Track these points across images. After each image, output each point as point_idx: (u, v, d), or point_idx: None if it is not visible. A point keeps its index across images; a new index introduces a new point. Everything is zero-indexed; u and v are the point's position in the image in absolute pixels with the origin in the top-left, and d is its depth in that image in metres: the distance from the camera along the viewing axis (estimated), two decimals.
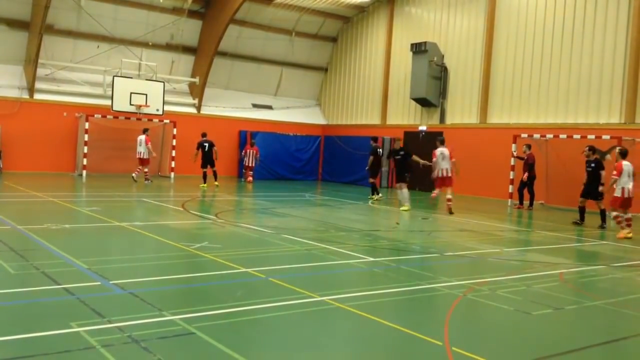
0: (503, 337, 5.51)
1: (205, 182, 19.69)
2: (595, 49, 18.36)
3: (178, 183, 21.32)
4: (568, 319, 6.14)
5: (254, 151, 23.00)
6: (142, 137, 20.18)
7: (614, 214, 12.25)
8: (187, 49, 24.97)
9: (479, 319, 6.10)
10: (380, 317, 5.62)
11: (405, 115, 24.81)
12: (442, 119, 23.24)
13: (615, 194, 12.08)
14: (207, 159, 19.69)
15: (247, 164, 23.16)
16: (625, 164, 12.16)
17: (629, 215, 12.23)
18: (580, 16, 18.80)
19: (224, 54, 25.43)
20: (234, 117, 25.92)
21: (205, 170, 19.74)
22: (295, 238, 10.10)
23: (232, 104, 26.23)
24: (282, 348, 4.76)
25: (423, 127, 23.61)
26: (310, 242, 9.80)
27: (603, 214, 13.83)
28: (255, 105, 27.01)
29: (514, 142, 18.71)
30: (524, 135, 18.76)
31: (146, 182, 19.96)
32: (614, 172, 12.15)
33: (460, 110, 22.58)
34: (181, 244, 9.01)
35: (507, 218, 15.24)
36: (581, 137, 17.35)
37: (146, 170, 20.38)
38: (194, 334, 4.84)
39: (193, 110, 25.23)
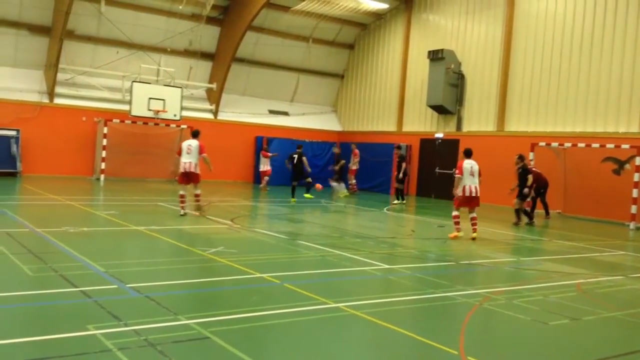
0: (519, 347, 5.46)
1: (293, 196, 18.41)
2: (615, 57, 18.17)
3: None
4: (585, 330, 6.06)
5: (268, 156, 22.80)
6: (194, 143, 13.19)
7: (454, 213, 12.04)
8: (205, 55, 25.18)
9: (494, 329, 6.04)
10: (395, 324, 5.60)
11: (421, 122, 24.74)
12: (458, 126, 23.14)
13: (457, 193, 11.81)
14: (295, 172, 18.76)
15: (262, 169, 22.84)
16: (468, 163, 11.86)
17: (474, 214, 11.96)
18: (599, 24, 18.63)
19: (241, 60, 25.60)
20: (251, 123, 26.06)
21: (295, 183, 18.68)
22: (310, 244, 10.10)
23: (249, 110, 26.38)
24: (296, 354, 4.76)
25: (439, 135, 23.53)
26: (325, 248, 9.80)
27: (517, 213, 15.10)
28: (271, 112, 27.14)
29: (532, 150, 18.55)
30: (542, 143, 18.61)
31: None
32: (456, 171, 11.86)
33: (478, 118, 22.46)
34: (197, 248, 9.06)
35: (524, 227, 15.09)
36: (600, 146, 17.18)
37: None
38: (209, 339, 4.86)
39: (210, 116, 25.41)
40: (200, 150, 12.90)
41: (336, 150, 22.55)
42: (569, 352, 5.24)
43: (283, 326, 5.47)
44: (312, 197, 19.17)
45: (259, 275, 7.41)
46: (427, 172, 23.99)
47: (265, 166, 22.67)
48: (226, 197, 18.65)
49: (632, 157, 16.37)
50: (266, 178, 22.66)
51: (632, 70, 17.71)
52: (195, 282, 7.24)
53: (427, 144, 24.04)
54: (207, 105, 25.52)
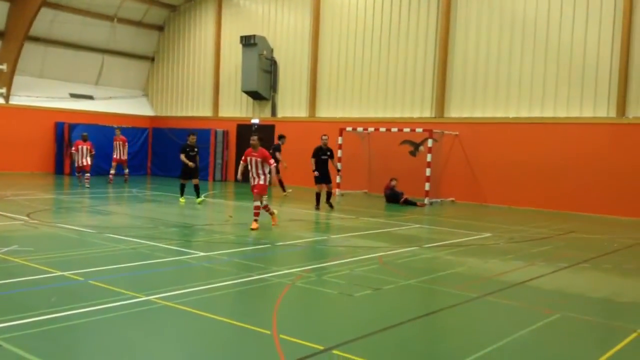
0: (328, 320, 5.78)
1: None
2: (409, 49, 19.95)
3: None
4: (386, 299, 6.61)
5: (88, 147, 18.99)
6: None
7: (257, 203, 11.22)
8: None
9: (305, 305, 6.31)
10: (210, 312, 5.56)
11: (237, 108, 24.77)
12: (273, 112, 23.62)
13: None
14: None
15: (80, 163, 18.86)
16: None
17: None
18: (396, 19, 20.28)
19: (36, 39, 23.14)
20: (50, 107, 23.74)
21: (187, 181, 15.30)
22: (120, 237, 9.56)
23: (47, 94, 23.99)
24: (104, 354, 4.48)
25: (256, 120, 23.78)
26: (137, 240, 9.35)
27: (328, 196, 15.20)
28: (73, 95, 25.01)
29: (340, 134, 19.67)
30: (349, 128, 19.83)
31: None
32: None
33: (291, 104, 23.14)
34: None
35: (336, 207, 15.97)
36: (398, 129, 18.80)
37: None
38: (0, 346, 4.35)
39: (1, 101, 22.63)
40: None
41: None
42: (373, 319, 5.68)
43: (87, 325, 5.10)
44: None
45: (59, 273, 6.82)
46: None
47: (83, 159, 18.80)
48: (22, 190, 16.81)
49: (426, 140, 18.20)
50: (88, 174, 18.80)
51: (424, 62, 19.62)
52: None
53: (244, 130, 24.17)
54: None
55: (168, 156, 24.65)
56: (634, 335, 5.37)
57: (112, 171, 20.10)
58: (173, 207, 14.78)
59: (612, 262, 9.31)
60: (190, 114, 26.35)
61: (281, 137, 19.12)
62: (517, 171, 17.38)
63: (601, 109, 16.43)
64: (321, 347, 4.67)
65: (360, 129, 19.76)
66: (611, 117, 16.21)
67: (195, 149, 15.17)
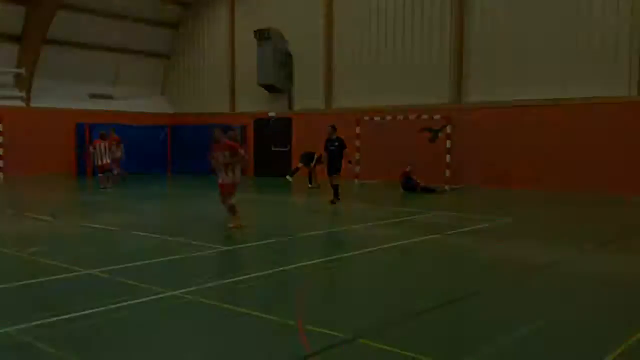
0: (352, 308, 5.79)
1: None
2: (424, 34, 19.73)
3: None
4: (410, 284, 6.58)
5: (107, 145, 17.51)
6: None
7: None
8: (10, 38, 22.57)
9: (329, 294, 6.31)
10: (236, 305, 5.60)
11: (254, 102, 24.81)
12: (290, 104, 23.62)
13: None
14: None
15: (99, 162, 17.35)
16: None
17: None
18: (409, 3, 20.08)
19: (53, 42, 23.41)
20: (70, 108, 24.02)
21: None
22: (143, 233, 9.66)
23: (67, 95, 24.25)
24: (132, 350, 4.54)
25: (272, 114, 23.79)
26: (158, 235, 9.44)
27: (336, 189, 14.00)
28: (93, 96, 25.26)
29: (357, 124, 19.61)
30: (367, 118, 19.73)
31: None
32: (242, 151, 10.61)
33: (308, 96, 23.09)
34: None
35: (354, 196, 15.83)
36: (417, 117, 18.67)
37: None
38: (31, 345, 4.44)
39: (21, 104, 22.98)
40: None
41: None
42: (398, 307, 5.67)
43: (115, 323, 5.17)
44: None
45: (85, 271, 6.92)
46: (263, 152, 24.26)
47: (103, 157, 17.38)
48: (45, 191, 17.09)
49: (445, 126, 18.05)
50: (113, 172, 17.97)
51: (439, 45, 19.38)
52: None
53: (262, 124, 24.19)
54: (17, 93, 23.00)
55: (188, 153, 24.73)
56: None
57: (116, 171, 18.69)
58: (193, 203, 14.88)
59: None
60: (208, 110, 26.45)
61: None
62: (542, 154, 17.12)
63: (620, 87, 16.10)
64: (349, 337, 4.68)
65: (377, 118, 19.65)
66: (633, 95, 15.89)
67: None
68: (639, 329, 4.92)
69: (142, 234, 9.66)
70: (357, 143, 19.65)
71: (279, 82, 23.27)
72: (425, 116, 18.54)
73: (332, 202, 13.93)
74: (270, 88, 23.55)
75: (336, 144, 14.20)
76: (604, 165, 16.07)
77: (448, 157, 17.80)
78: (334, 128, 14.41)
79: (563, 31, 16.92)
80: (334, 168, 14.16)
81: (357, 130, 19.58)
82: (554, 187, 16.72)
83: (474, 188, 18.06)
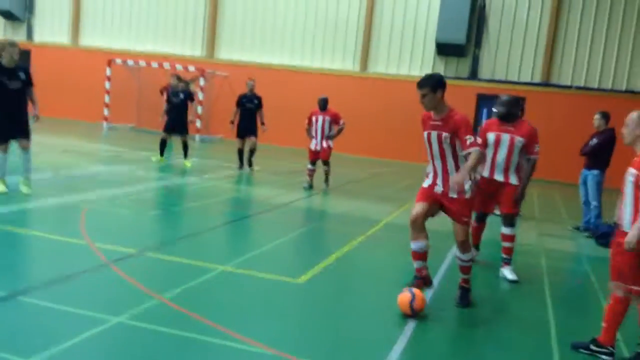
0: (133, 232, 6.71)
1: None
2: None
3: None
4: (172, 217, 7.72)
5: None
6: None
7: None
8: None
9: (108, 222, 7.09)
10: None
11: None
12: (29, 35, 21.76)
13: None
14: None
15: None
16: None
17: None
18: None
19: None
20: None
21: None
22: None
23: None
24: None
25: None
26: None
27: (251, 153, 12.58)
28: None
29: (109, 66, 19.32)
30: (119, 60, 19.54)
31: None
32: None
33: (51, 28, 21.58)
34: None
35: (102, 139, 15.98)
36: (170, 66, 19.25)
37: None
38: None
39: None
40: None
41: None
42: (168, 231, 6.75)
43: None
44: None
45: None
46: None
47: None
48: None
49: (197, 77, 19.03)
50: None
51: (195, 2, 20.15)
52: None
53: None
54: None
55: None
56: (361, 237, 7.46)
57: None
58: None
59: (348, 190, 11.75)
60: None
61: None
62: (277, 114, 19.40)
63: (348, 62, 19.22)
64: (134, 250, 5.66)
65: (130, 62, 19.62)
66: (355, 70, 19.10)
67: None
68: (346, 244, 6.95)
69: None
70: (107, 86, 19.43)
71: (16, 8, 21.18)
72: (179, 66, 19.23)
73: (250, 164, 12.38)
74: (6, 14, 21.32)
75: (255, 102, 12.38)
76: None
77: (200, 108, 18.92)
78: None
79: (306, 10, 19.26)
80: (249, 131, 12.38)
81: (108, 72, 19.30)
82: (286, 143, 19.24)
83: (222, 140, 19.61)
